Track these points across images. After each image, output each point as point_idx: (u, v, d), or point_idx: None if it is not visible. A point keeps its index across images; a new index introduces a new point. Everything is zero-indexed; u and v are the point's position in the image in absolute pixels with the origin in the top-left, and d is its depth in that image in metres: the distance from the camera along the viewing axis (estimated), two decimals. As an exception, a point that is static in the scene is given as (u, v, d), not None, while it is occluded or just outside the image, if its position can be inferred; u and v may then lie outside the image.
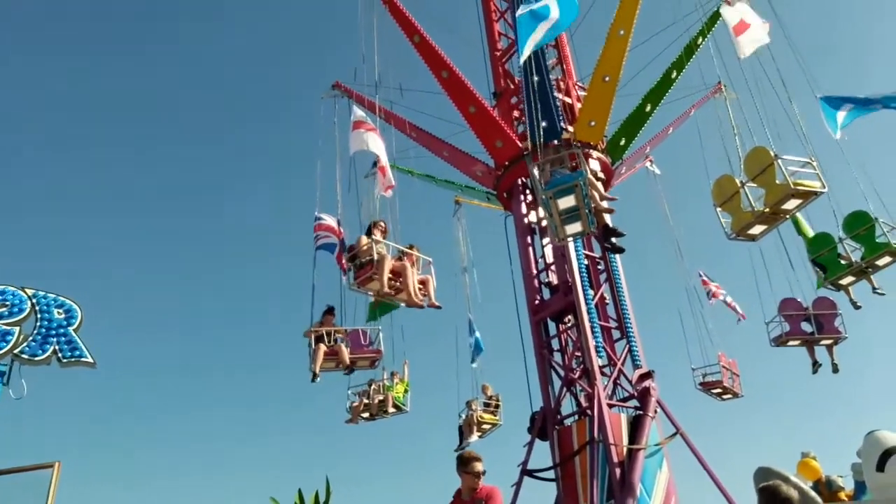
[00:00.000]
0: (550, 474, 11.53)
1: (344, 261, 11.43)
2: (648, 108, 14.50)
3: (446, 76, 14.00)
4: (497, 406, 15.54)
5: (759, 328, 14.55)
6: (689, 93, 15.60)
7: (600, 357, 12.01)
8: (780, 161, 10.07)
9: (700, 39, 14.03)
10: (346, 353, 11.23)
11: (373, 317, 13.87)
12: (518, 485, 11.64)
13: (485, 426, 15.14)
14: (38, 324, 8.60)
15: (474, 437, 14.93)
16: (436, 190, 18.26)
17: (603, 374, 11.96)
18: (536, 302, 13.21)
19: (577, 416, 12.03)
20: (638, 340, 12.56)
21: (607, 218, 11.71)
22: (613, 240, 12.26)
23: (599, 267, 13.24)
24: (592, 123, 13.40)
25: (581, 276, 12.29)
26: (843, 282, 12.59)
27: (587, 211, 9.46)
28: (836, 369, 14.12)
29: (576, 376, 12.21)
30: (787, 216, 10.94)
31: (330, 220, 12.07)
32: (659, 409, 11.65)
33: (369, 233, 10.81)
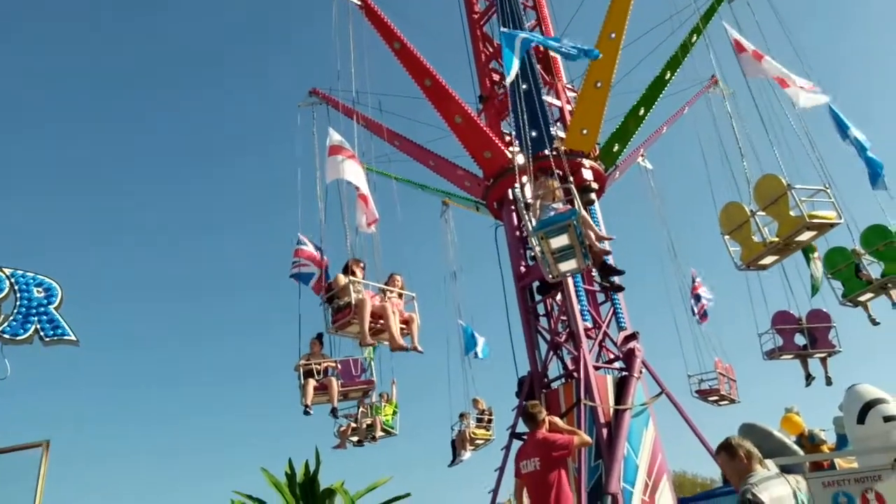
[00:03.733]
0: (539, 436, 11.77)
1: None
2: (642, 111, 13.16)
3: (429, 84, 12.79)
4: (490, 420, 14.63)
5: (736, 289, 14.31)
6: (681, 87, 14.42)
7: (585, 320, 11.44)
8: (793, 191, 9.08)
9: (694, 37, 12.85)
10: (335, 390, 10.20)
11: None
12: (507, 448, 11.12)
13: (478, 441, 14.33)
14: (18, 303, 8.18)
15: (467, 454, 14.12)
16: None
17: (588, 337, 11.30)
18: (522, 269, 12.54)
19: (563, 380, 11.42)
20: (622, 303, 11.93)
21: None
22: (613, 278, 11.25)
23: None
24: (584, 132, 12.18)
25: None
26: (862, 298, 11.70)
27: (582, 249, 8.49)
28: (829, 382, 13.31)
29: (562, 340, 11.56)
30: (801, 247, 9.95)
31: (310, 247, 10.94)
32: (644, 370, 11.07)
33: (346, 270, 9.53)
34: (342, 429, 13.13)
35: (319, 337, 10.72)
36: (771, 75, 10.37)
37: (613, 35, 11.95)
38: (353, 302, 8.90)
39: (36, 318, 8.25)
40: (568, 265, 8.74)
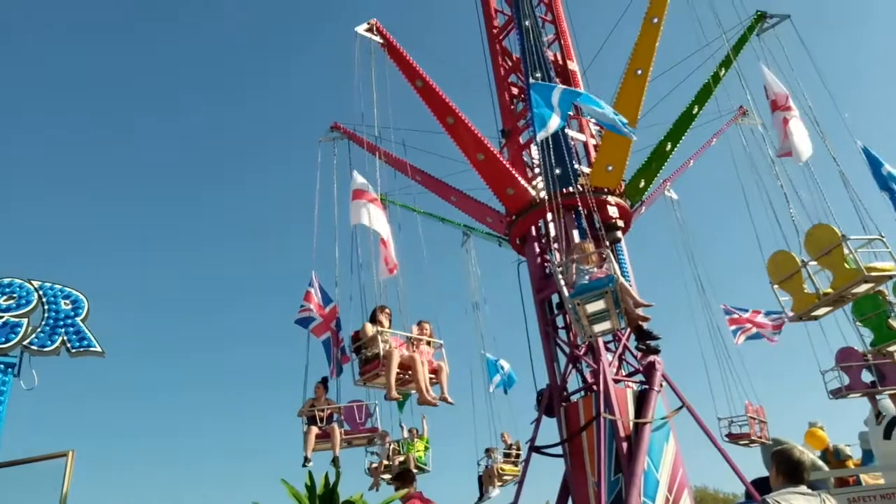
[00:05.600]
0: (558, 450, 10.72)
1: (337, 348, 10.12)
2: (669, 146, 12.68)
3: (452, 122, 12.57)
4: (517, 455, 13.91)
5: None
6: (708, 119, 13.99)
7: (605, 333, 12.08)
8: (848, 242, 8.46)
9: (723, 70, 12.41)
10: (338, 439, 9.79)
11: (400, 408, 12.41)
12: (527, 461, 10.85)
13: (506, 477, 13.66)
14: (46, 315, 8.27)
15: (496, 490, 13.44)
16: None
17: (608, 349, 11.02)
18: (541, 280, 12.31)
19: (583, 393, 11.06)
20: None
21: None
22: (649, 342, 10.96)
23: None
24: (610, 168, 11.80)
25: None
26: (892, 348, 11.20)
27: (617, 311, 8.22)
28: None
29: (581, 353, 11.22)
30: (856, 298, 9.29)
31: (317, 293, 10.81)
32: (664, 384, 10.74)
33: (373, 319, 9.10)
34: (373, 466, 12.60)
35: (324, 381, 10.37)
36: (775, 128, 9.90)
37: (640, 71, 11.67)
38: (382, 354, 8.53)
39: (63, 330, 8.27)
40: (601, 326, 8.51)
